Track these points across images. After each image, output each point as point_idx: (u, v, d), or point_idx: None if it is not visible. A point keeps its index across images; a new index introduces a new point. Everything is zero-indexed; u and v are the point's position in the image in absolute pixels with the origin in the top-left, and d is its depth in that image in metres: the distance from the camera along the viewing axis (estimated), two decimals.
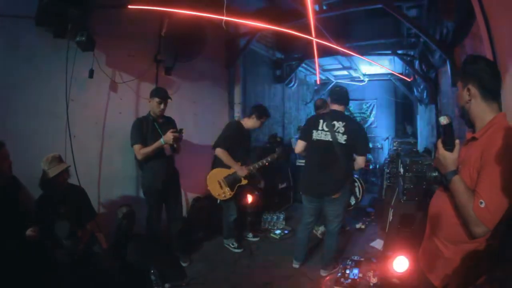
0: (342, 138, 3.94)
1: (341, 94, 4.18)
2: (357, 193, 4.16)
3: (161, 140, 4.04)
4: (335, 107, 4.14)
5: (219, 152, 4.68)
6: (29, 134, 3.63)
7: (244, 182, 4.84)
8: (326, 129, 4.03)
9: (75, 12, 3.62)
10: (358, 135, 4.02)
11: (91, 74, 4.15)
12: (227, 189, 4.78)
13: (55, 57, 3.85)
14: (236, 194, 4.90)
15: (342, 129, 3.96)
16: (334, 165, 3.97)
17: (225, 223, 5.07)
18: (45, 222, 3.19)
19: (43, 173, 3.28)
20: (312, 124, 4.19)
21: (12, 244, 2.88)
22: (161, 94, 4.15)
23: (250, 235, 5.54)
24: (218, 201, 4.91)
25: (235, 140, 4.79)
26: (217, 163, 4.85)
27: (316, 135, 4.09)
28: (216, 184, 4.79)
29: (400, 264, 3.22)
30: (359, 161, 4.04)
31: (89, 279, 3.30)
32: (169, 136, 4.02)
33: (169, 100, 4.27)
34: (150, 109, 4.24)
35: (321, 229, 5.43)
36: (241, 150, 4.88)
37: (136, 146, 4.06)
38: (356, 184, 4.19)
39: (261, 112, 4.98)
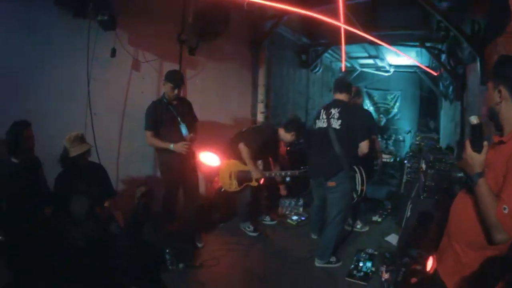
0: (336, 124, 4.02)
1: (340, 83, 4.28)
2: (356, 186, 3.96)
3: (171, 146, 4.06)
4: (337, 96, 4.23)
5: (243, 148, 4.66)
6: (50, 112, 3.69)
7: (254, 183, 4.83)
8: (324, 117, 4.17)
9: None
10: (354, 119, 4.02)
11: (113, 53, 4.17)
12: (235, 182, 4.83)
13: (76, 36, 3.86)
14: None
15: (337, 115, 4.06)
16: (328, 151, 4.04)
17: (240, 206, 5.10)
18: (64, 198, 3.28)
19: (64, 150, 3.34)
20: (316, 115, 4.38)
21: (32, 220, 2.96)
22: (175, 80, 4.10)
23: (268, 218, 5.55)
24: (222, 189, 4.98)
25: (264, 146, 4.80)
26: (236, 154, 4.83)
27: (317, 124, 4.26)
28: (227, 174, 4.86)
29: (431, 264, 3.17)
30: (361, 147, 3.99)
31: (107, 258, 3.38)
32: (179, 147, 4.06)
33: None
34: (164, 92, 4.23)
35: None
36: (265, 154, 4.98)
37: (148, 133, 4.12)
38: (356, 175, 3.98)
39: (299, 131, 4.93)
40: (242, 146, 4.66)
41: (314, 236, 4.81)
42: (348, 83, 4.26)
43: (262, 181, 4.89)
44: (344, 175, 4.00)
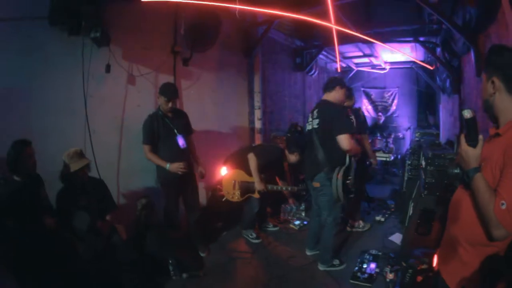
0: (315, 123, 4.05)
1: (327, 82, 4.23)
2: (333, 187, 3.83)
3: (167, 165, 4.10)
4: (324, 96, 4.20)
5: (252, 158, 4.72)
6: (49, 131, 3.68)
7: (256, 195, 4.87)
8: (310, 119, 4.22)
9: (88, 9, 3.63)
10: (329, 116, 3.97)
11: (108, 69, 4.18)
12: (237, 192, 4.88)
13: (71, 55, 3.88)
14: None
15: (315, 115, 4.09)
16: (312, 151, 4.09)
17: (247, 214, 5.10)
18: (66, 214, 3.30)
19: (64, 166, 3.35)
20: (307, 118, 4.41)
21: (33, 237, 2.96)
22: (168, 94, 4.12)
23: (270, 225, 5.56)
24: (224, 199, 4.98)
25: (271, 163, 4.93)
26: (243, 165, 4.90)
27: (307, 127, 4.33)
28: (231, 182, 4.89)
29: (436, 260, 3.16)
30: (340, 141, 3.81)
31: (109, 271, 3.38)
32: (175, 168, 4.10)
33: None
34: (160, 104, 4.25)
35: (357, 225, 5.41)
36: (270, 169, 5.01)
37: (145, 147, 4.16)
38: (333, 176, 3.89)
39: (301, 149, 4.90)
40: (251, 155, 4.73)
41: (308, 253, 4.59)
42: (330, 80, 4.20)
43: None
44: (325, 175, 3.99)
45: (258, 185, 4.74)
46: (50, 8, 3.56)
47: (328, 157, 3.97)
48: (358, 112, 5.36)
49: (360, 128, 4.67)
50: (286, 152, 5.05)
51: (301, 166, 4.71)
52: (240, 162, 4.98)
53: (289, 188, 4.98)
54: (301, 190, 4.87)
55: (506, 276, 1.59)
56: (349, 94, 5.19)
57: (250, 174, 4.80)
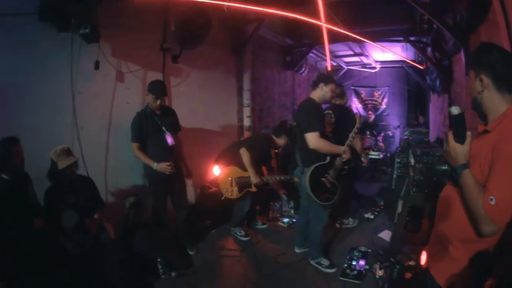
0: (295, 121, 4.10)
1: (314, 80, 4.16)
2: (304, 184, 3.91)
3: (154, 165, 4.06)
4: (310, 94, 4.11)
5: (244, 153, 4.72)
6: (37, 128, 3.64)
7: (253, 189, 4.88)
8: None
9: (78, 6, 3.58)
10: (302, 113, 3.97)
11: (96, 65, 4.14)
12: (235, 189, 4.85)
13: (60, 51, 3.84)
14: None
15: (296, 113, 4.15)
16: (294, 148, 4.20)
17: (237, 212, 5.10)
18: (54, 213, 3.27)
19: (51, 164, 3.32)
20: None
21: (21, 236, 2.93)
22: (156, 92, 4.10)
23: (259, 223, 5.56)
24: (223, 197, 4.96)
25: (262, 153, 4.95)
26: (236, 161, 4.90)
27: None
28: (227, 180, 4.87)
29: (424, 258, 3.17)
30: (307, 140, 3.76)
31: (98, 269, 3.36)
32: (162, 168, 4.06)
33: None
34: (148, 102, 4.22)
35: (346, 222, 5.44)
36: (263, 159, 5.03)
37: (134, 145, 4.12)
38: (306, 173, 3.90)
39: (288, 132, 5.06)
40: (243, 150, 4.73)
41: (297, 250, 4.58)
42: (318, 78, 4.08)
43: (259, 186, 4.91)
44: (300, 171, 4.05)
45: (254, 178, 4.76)
46: (40, 4, 3.52)
47: (303, 154, 3.99)
48: (347, 111, 5.37)
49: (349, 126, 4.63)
50: (274, 137, 5.04)
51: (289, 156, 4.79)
52: (232, 159, 4.98)
53: (282, 178, 4.97)
54: (293, 178, 4.78)
55: (495, 271, 1.60)
56: (340, 92, 5.21)
57: (244, 169, 4.81)
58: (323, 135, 3.81)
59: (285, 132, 5.04)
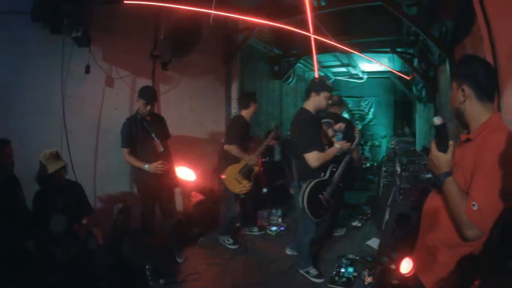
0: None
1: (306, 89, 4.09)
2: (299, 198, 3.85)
3: (146, 166, 4.06)
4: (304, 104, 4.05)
5: (231, 148, 4.78)
6: (25, 130, 3.62)
7: (257, 169, 5.02)
8: None
9: (71, 7, 3.59)
10: (295, 126, 3.98)
11: (87, 69, 4.15)
12: (245, 182, 4.91)
13: (52, 53, 3.83)
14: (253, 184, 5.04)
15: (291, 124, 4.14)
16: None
17: (224, 219, 5.10)
18: (42, 217, 3.24)
19: (40, 167, 3.30)
20: None
21: (10, 241, 2.89)
22: (147, 97, 4.12)
23: (256, 229, 5.60)
24: (240, 195, 5.03)
25: (242, 134, 4.92)
26: (226, 158, 4.98)
27: None
28: (234, 182, 4.90)
29: (407, 266, 3.20)
30: (307, 161, 3.67)
31: (86, 276, 3.32)
32: (153, 168, 4.06)
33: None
34: (138, 108, 4.23)
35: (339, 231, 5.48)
36: (246, 141, 5.02)
37: (124, 150, 4.11)
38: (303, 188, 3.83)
39: (255, 98, 5.11)
40: (227, 147, 4.81)
41: (288, 252, 4.73)
42: (310, 86, 3.95)
43: (260, 162, 5.06)
44: (296, 183, 4.03)
45: (251, 161, 4.88)
46: (34, 4, 3.52)
47: (298, 167, 3.96)
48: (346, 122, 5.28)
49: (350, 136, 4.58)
50: (243, 113, 5.06)
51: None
52: (227, 160, 5.00)
53: (270, 141, 5.06)
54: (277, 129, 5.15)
55: (480, 274, 1.64)
56: (338, 101, 5.25)
57: (239, 161, 4.89)
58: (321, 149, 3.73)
59: (250, 98, 5.07)
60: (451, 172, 1.68)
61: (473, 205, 1.53)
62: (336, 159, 3.90)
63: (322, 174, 3.84)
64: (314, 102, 3.86)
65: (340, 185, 4.03)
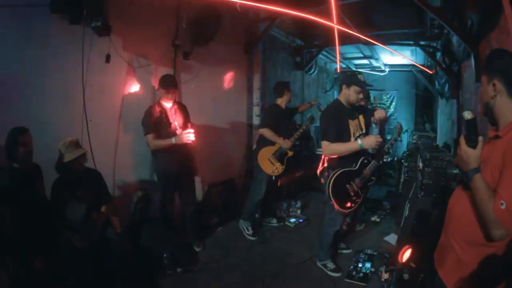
0: None
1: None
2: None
3: (173, 139, 4.05)
4: None
5: (263, 131, 4.99)
6: (46, 120, 3.64)
7: (290, 153, 5.13)
8: None
9: None
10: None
11: (107, 59, 4.16)
12: (278, 164, 5.03)
13: (72, 43, 3.84)
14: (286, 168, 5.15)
15: None
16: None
17: (249, 203, 5.14)
18: (61, 205, 3.27)
19: (59, 156, 3.32)
20: None
21: (33, 229, 2.95)
22: (166, 84, 4.15)
23: (274, 220, 5.60)
24: (273, 177, 5.12)
25: (276, 119, 5.07)
26: (261, 142, 5.10)
27: None
28: (267, 162, 5.02)
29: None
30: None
31: (104, 264, 3.35)
32: (180, 138, 4.04)
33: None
34: (159, 97, 4.27)
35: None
36: (283, 127, 5.15)
37: (149, 136, 4.09)
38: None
39: (289, 87, 5.32)
40: (261, 130, 5.04)
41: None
42: (339, 78, 4.13)
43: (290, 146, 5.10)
44: (324, 173, 3.97)
45: (285, 144, 4.98)
46: None
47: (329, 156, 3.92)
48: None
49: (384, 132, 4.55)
50: (278, 101, 5.22)
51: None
52: (262, 144, 5.11)
53: (304, 127, 5.22)
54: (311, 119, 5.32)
55: (504, 277, 1.60)
56: (366, 94, 5.29)
57: (273, 144, 5.02)
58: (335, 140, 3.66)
59: (284, 87, 5.25)
60: (479, 168, 1.63)
61: (502, 203, 1.48)
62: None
63: (354, 164, 3.80)
64: (345, 95, 3.84)
65: (373, 179, 3.96)
